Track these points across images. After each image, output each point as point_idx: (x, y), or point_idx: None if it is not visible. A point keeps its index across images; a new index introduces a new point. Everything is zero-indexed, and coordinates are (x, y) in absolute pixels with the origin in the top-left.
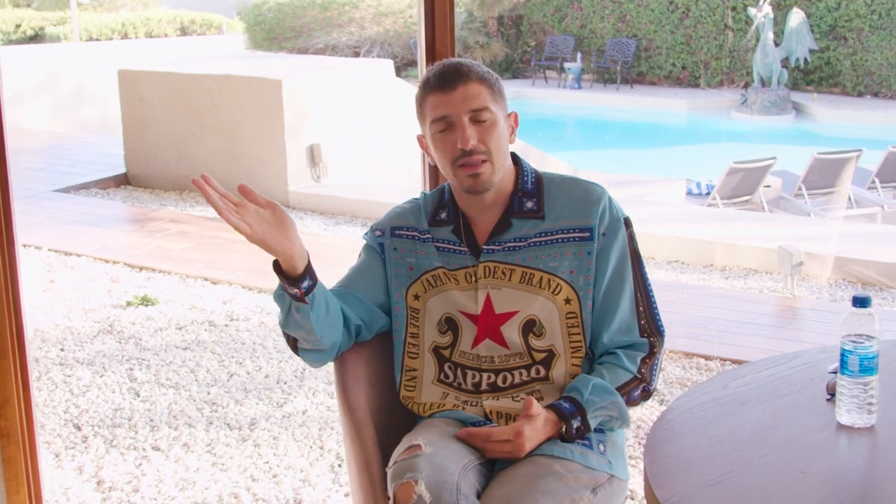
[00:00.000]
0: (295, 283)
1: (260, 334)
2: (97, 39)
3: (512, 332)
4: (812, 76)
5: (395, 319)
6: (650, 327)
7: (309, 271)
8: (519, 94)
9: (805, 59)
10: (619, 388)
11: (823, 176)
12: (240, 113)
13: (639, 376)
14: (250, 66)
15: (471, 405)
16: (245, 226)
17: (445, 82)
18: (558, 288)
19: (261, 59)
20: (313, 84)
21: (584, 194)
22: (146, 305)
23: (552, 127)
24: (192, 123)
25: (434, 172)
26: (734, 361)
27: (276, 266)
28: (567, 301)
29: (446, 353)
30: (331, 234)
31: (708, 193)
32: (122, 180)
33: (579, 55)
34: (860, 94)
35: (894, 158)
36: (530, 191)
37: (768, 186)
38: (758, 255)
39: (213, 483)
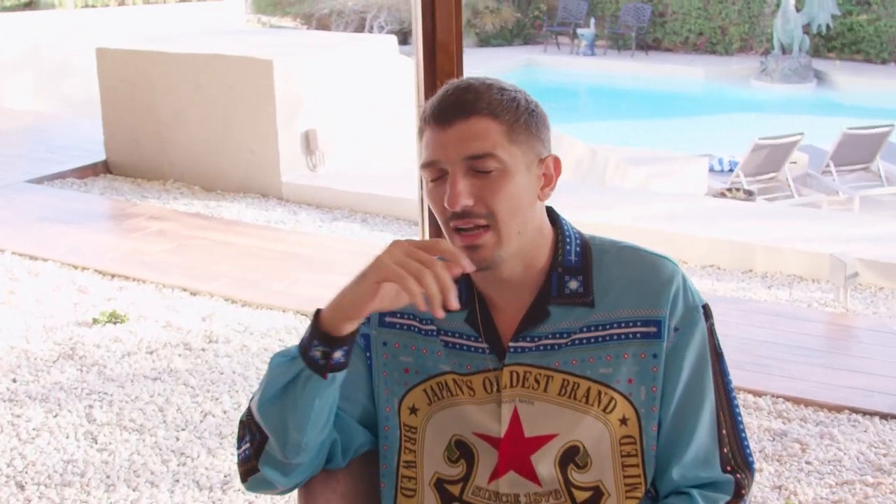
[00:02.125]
0: (331, 345)
1: (241, 360)
2: (92, 6)
3: (546, 463)
4: (834, 42)
5: (385, 442)
6: (735, 458)
7: (352, 340)
8: (530, 62)
9: (827, 25)
10: None
11: (853, 152)
12: (228, 96)
13: None
14: (240, 43)
15: None
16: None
17: (441, 114)
18: (612, 403)
19: (252, 36)
20: (309, 64)
21: (650, 273)
22: (115, 323)
23: (565, 96)
24: (177, 107)
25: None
26: (788, 399)
27: (316, 317)
28: (623, 421)
29: (455, 489)
30: (326, 232)
31: (731, 170)
32: (102, 168)
33: (593, 20)
34: (884, 62)
35: None
36: (574, 265)
37: (794, 163)
38: (804, 260)
39: None
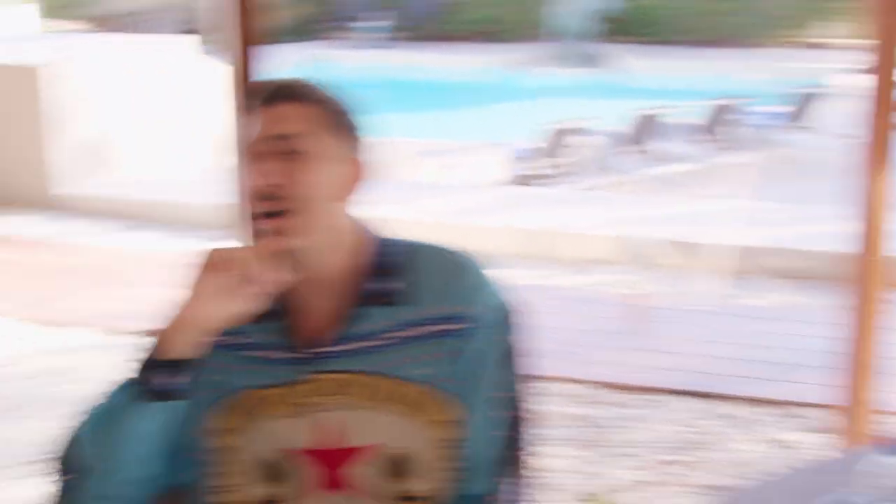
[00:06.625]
0: (170, 371)
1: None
2: None
3: (371, 475)
4: (624, 26)
5: (196, 468)
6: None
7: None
8: (318, 57)
9: (617, 10)
10: None
11: (643, 134)
12: None
13: None
14: (8, 50)
15: None
16: None
17: (266, 96)
18: (434, 406)
19: (29, 42)
20: (86, 68)
21: (460, 271)
22: None
23: (356, 91)
24: None
25: None
26: (590, 382)
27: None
28: (450, 424)
29: None
30: (117, 244)
31: (525, 157)
32: None
33: (384, 12)
34: (673, 44)
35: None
36: (387, 265)
37: (586, 147)
38: (604, 245)
39: None
